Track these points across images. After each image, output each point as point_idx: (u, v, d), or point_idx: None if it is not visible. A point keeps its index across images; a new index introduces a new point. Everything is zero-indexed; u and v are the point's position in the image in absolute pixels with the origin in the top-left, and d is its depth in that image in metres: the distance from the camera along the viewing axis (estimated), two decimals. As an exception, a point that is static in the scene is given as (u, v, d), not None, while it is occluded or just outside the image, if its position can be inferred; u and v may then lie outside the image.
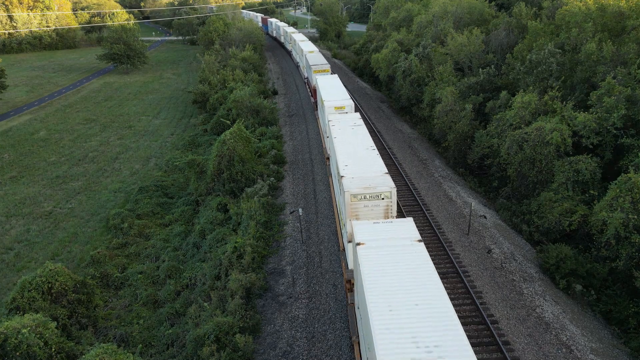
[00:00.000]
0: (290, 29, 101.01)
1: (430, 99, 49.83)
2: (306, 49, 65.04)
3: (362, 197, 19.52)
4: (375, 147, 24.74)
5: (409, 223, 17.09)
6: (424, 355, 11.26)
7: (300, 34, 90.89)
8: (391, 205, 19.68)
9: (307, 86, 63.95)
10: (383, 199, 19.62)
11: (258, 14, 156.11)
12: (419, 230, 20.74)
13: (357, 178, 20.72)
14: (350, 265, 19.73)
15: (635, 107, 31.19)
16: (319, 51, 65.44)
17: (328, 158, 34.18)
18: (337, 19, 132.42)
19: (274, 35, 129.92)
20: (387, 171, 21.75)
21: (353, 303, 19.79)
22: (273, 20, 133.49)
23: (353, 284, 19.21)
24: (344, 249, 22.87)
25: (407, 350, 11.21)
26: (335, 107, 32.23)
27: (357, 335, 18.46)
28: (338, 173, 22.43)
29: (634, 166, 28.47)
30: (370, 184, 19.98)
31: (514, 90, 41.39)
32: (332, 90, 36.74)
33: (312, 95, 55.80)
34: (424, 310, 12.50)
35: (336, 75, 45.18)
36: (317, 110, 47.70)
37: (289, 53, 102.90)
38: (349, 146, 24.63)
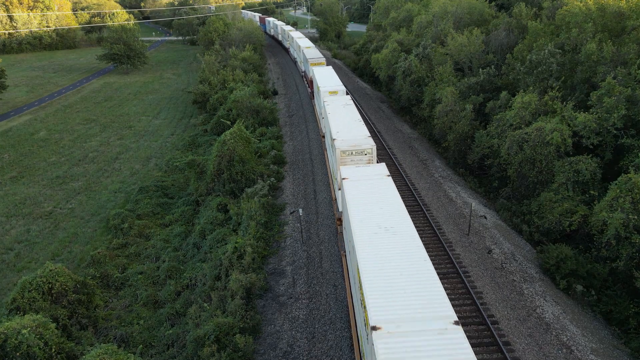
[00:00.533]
0: (288, 27, 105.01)
1: (431, 99, 49.83)
2: (303, 45, 69.38)
3: (350, 153, 24.85)
4: (361, 119, 29.93)
5: (381, 166, 22.92)
6: (382, 230, 17.08)
7: (297, 31, 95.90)
8: (372, 159, 25.01)
9: (305, 79, 68.85)
10: (366, 154, 25.25)
11: (256, 14, 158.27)
12: (419, 230, 26.28)
13: (346, 140, 26.00)
14: (340, 209, 24.61)
15: (636, 107, 31.19)
16: (315, 47, 70.43)
17: (323, 136, 39.98)
18: (337, 19, 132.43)
19: (272, 33, 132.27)
20: (369, 135, 26.82)
21: (342, 233, 25.30)
22: (271, 19, 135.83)
23: (342, 220, 24.16)
24: (335, 200, 28.43)
25: (372, 230, 16.80)
26: (329, 92, 37.96)
27: (345, 250, 23.92)
28: (331, 138, 27.41)
29: (634, 166, 28.47)
30: (355, 143, 25.48)
31: (514, 91, 41.39)
32: (326, 79, 42.18)
33: (309, 86, 61.02)
34: (386, 213, 18.44)
35: (330, 67, 50.46)
36: (313, 99, 53.54)
37: (286, 50, 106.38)
38: (340, 119, 29.97)
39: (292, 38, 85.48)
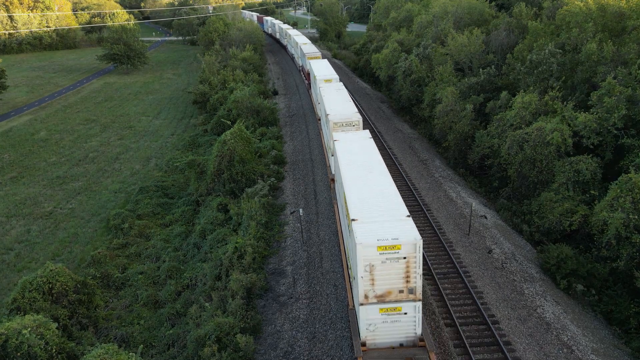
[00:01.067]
0: (285, 26, 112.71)
1: (431, 99, 49.84)
2: (300, 41, 76.51)
3: (341, 125, 31.04)
4: (351, 100, 35.90)
5: (365, 131, 28.64)
6: (362, 172, 22.22)
7: (295, 30, 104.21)
8: (359, 129, 30.92)
9: (302, 72, 75.94)
10: (354, 125, 31.27)
11: (253, 13, 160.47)
12: (419, 230, 27.31)
13: (338, 115, 32.22)
14: (333, 171, 30.77)
15: (636, 107, 31.19)
16: (310, 43, 76.76)
17: (319, 119, 46.13)
18: (337, 19, 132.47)
19: (270, 32, 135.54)
20: (357, 111, 33.32)
21: (334, 189, 31.05)
22: (269, 18, 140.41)
23: (334, 180, 30.21)
24: (329, 166, 34.90)
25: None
26: (324, 80, 43.49)
27: (336, 199, 29.31)
28: (326, 114, 33.56)
29: (635, 166, 28.46)
30: (346, 117, 31.95)
31: (515, 91, 41.39)
32: (322, 69, 48.32)
33: (306, 79, 67.93)
34: (367, 160, 23.68)
35: (325, 60, 56.28)
36: (310, 89, 60.23)
37: (284, 48, 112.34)
38: (333, 100, 35.92)
39: (290, 36, 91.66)
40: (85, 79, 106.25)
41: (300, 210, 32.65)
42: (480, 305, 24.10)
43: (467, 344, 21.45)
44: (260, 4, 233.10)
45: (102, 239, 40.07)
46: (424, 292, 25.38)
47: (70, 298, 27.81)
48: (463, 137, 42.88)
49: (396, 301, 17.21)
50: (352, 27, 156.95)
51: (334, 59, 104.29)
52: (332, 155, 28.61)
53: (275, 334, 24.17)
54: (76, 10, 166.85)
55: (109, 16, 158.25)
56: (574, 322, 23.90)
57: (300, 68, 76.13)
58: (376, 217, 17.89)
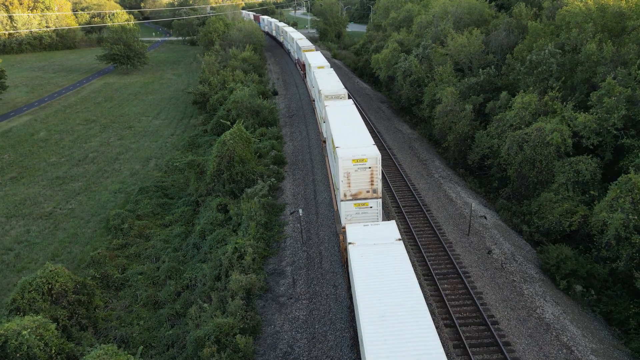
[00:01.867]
0: (281, 24, 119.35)
1: (431, 100, 49.84)
2: (296, 37, 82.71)
3: (330, 97, 37.26)
4: (339, 80, 42.50)
5: (349, 100, 35.00)
6: (345, 122, 29.36)
7: (290, 27, 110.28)
8: (345, 99, 36.90)
9: (297, 65, 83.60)
10: (341, 97, 37.48)
11: (250, 13, 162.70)
12: (418, 231, 31.37)
13: (329, 90, 38.71)
14: (324, 134, 37.07)
15: (636, 107, 31.18)
16: (305, 38, 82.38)
17: (314, 100, 52.94)
18: (337, 19, 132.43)
19: (266, 30, 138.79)
20: (343, 87, 39.62)
21: (325, 147, 37.93)
22: (265, 17, 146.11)
23: (325, 142, 37.21)
24: (322, 132, 40.87)
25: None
26: (318, 67, 49.31)
27: (327, 154, 35.28)
28: (319, 91, 40.74)
29: (634, 167, 28.45)
30: (334, 91, 38.28)
31: (514, 91, 41.39)
32: (316, 59, 54.80)
33: (301, 69, 73.94)
34: (347, 117, 30.17)
35: (319, 51, 63.17)
36: (305, 77, 66.74)
37: (280, 44, 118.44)
38: (325, 80, 42.31)
39: (286, 32, 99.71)
40: (85, 79, 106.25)
41: (300, 211, 32.64)
42: (479, 306, 24.10)
43: (466, 345, 21.45)
44: (260, 4, 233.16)
45: (102, 240, 40.05)
46: (423, 293, 25.38)
47: (70, 298, 27.79)
48: (463, 138, 42.88)
49: (364, 198, 24.98)
50: (352, 27, 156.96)
51: (334, 59, 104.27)
52: (324, 122, 35.14)
53: (274, 335, 24.17)
54: (76, 11, 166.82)
55: (109, 16, 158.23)
56: (574, 322, 23.89)
57: (296, 61, 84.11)
58: (351, 145, 25.71)
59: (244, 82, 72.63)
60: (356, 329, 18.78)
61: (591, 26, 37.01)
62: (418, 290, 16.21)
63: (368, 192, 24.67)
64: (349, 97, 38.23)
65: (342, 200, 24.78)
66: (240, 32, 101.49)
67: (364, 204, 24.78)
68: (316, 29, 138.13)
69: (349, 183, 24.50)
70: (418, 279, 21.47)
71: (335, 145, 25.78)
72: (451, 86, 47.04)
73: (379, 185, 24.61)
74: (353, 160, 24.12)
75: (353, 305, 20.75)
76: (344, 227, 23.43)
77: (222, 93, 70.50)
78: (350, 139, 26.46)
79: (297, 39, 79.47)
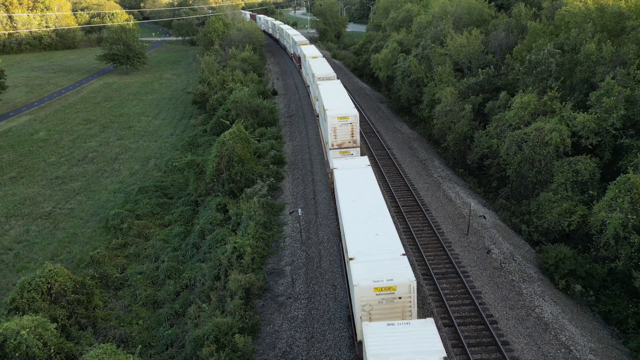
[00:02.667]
0: (277, 22, 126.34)
1: (430, 100, 49.87)
2: (292, 33, 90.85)
3: (321, 79, 43.78)
4: (330, 66, 50.42)
5: (338, 80, 42.46)
6: (334, 96, 36.93)
7: (286, 25, 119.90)
8: (334, 80, 43.42)
9: (293, 59, 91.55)
10: (330, 78, 43.97)
11: (247, 12, 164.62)
12: (417, 230, 32.15)
13: (321, 73, 45.80)
14: (317, 110, 45.27)
15: (635, 107, 31.20)
16: (299, 33, 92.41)
17: (308, 86, 60.11)
18: (337, 19, 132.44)
19: (263, 28, 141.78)
20: (333, 71, 47.00)
21: (319, 122, 43.70)
22: (262, 16, 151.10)
23: (318, 116, 44.03)
24: (315, 109, 49.18)
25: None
26: (312, 57, 56.32)
27: (320, 125, 42.30)
28: (313, 74, 48.23)
29: (633, 166, 28.48)
30: (325, 73, 45.57)
31: (514, 91, 41.42)
32: (309, 51, 63.33)
33: (297, 61, 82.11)
34: (336, 93, 37.56)
35: (312, 45, 72.33)
36: (301, 68, 75.03)
37: (277, 41, 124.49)
38: (319, 67, 49.45)
39: (282, 29, 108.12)
40: (85, 79, 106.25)
41: (299, 211, 32.66)
42: (478, 305, 24.12)
43: (465, 344, 21.47)
44: (260, 4, 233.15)
45: (101, 239, 40.07)
46: (424, 291, 25.42)
47: (69, 298, 27.81)
48: (462, 137, 42.91)
49: (347, 147, 32.72)
50: (351, 28, 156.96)
51: (334, 59, 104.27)
52: (317, 100, 43.14)
53: (273, 334, 24.19)
54: (76, 11, 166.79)
55: (109, 16, 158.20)
56: (572, 322, 23.91)
57: (292, 55, 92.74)
58: (337, 108, 33.33)
59: (244, 82, 72.64)
60: (340, 230, 24.35)
61: (590, 26, 37.04)
62: (380, 195, 23.34)
63: (350, 142, 32.91)
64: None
65: (330, 149, 32.77)
66: (239, 32, 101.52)
67: (346, 152, 32.87)
68: (316, 29, 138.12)
69: (335, 135, 32.56)
70: (417, 279, 23.79)
71: (325, 109, 33.40)
72: (450, 86, 47.07)
73: (357, 137, 32.88)
74: (338, 117, 32.10)
75: (338, 221, 25.71)
76: (331, 170, 28.66)
77: (221, 93, 70.53)
78: (336, 104, 34.35)
79: (292, 35, 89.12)
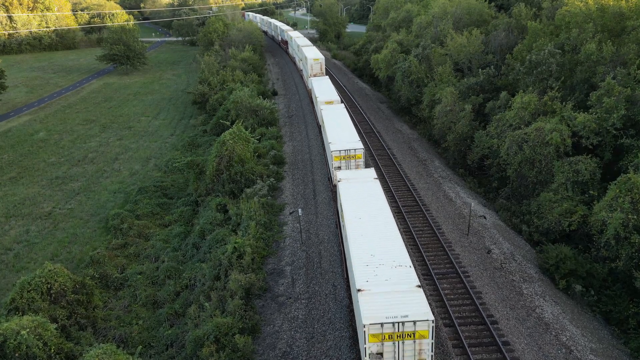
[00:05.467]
0: (266, 18, 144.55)
1: (430, 100, 49.83)
2: (279, 24, 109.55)
3: (313, 60, 61.27)
4: (318, 50, 67.28)
5: (326, 78, 56.62)
6: (325, 98, 48.10)
7: (273, 19, 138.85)
8: (322, 65, 61.95)
9: (280, 45, 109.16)
10: (318, 60, 61.52)
11: (236, 11, 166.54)
12: (418, 231, 31.90)
13: (312, 58, 61.50)
14: (310, 87, 56.82)
15: (635, 107, 31.18)
16: (286, 24, 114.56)
17: (301, 70, 73.00)
18: (337, 19, 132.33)
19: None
20: (323, 56, 62.85)
21: (312, 99, 56.25)
22: (250, 13, 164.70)
23: (312, 100, 57.41)
24: (307, 85, 63.66)
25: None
26: (297, 37, 74.43)
27: (312, 99, 54.98)
28: (306, 58, 63.39)
29: (634, 166, 28.45)
30: (316, 56, 62.42)
31: (514, 91, 41.39)
32: (301, 40, 77.40)
33: (284, 44, 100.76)
34: (328, 87, 51.61)
35: (297, 31, 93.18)
36: (288, 49, 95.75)
37: (264, 32, 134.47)
38: (309, 51, 64.07)
39: (270, 22, 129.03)
40: (85, 80, 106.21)
41: (300, 211, 32.63)
42: (479, 306, 24.08)
43: (465, 344, 21.43)
44: (260, 5, 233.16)
45: (101, 239, 40.04)
46: (425, 292, 25.36)
47: (69, 298, 27.78)
48: (462, 138, 42.88)
49: (331, 102, 45.25)
50: (351, 28, 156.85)
51: (334, 59, 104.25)
52: (311, 89, 53.67)
53: (273, 334, 24.15)
54: (76, 11, 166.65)
55: (109, 17, 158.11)
56: (573, 322, 23.88)
57: (280, 41, 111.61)
58: (324, 94, 47.27)
59: (244, 82, 72.61)
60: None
61: (591, 26, 37.02)
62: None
63: (334, 98, 46.71)
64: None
65: (321, 108, 42.01)
66: (239, 33, 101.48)
67: (331, 102, 45.31)
68: (316, 30, 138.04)
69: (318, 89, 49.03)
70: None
71: (314, 93, 48.19)
72: (451, 86, 47.04)
73: (336, 96, 46.99)
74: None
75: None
76: (321, 107, 41.38)
77: (221, 93, 70.50)
78: (324, 90, 49.13)
79: (279, 25, 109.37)
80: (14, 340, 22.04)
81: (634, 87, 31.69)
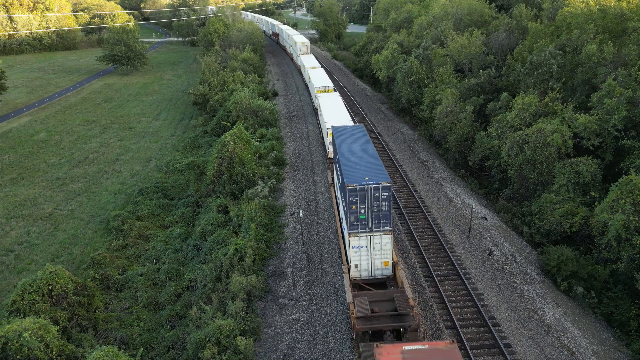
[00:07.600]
0: (258, 15, 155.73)
1: (431, 101, 49.81)
2: (270, 20, 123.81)
3: (301, 43, 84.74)
4: (304, 37, 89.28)
5: (311, 55, 78.11)
6: (310, 65, 69.16)
7: (270, 18, 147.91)
8: (308, 46, 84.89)
9: (272, 37, 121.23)
10: (305, 43, 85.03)
11: (236, 12, 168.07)
12: (419, 232, 31.87)
13: (300, 40, 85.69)
14: (306, 81, 68.61)
15: (636, 108, 31.18)
16: (277, 21, 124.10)
17: (292, 58, 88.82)
18: (337, 20, 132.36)
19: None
20: (309, 41, 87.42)
21: (310, 91, 64.72)
22: (243, 12, 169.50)
23: (305, 83, 72.07)
24: (299, 65, 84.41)
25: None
26: (293, 35, 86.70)
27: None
28: (295, 42, 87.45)
29: (635, 168, 28.44)
30: (303, 40, 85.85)
31: (515, 92, 41.37)
32: (297, 37, 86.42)
33: (275, 37, 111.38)
34: (313, 60, 71.92)
35: (287, 25, 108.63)
36: (278, 40, 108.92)
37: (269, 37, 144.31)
38: (297, 37, 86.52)
39: (261, 18, 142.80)
40: (85, 80, 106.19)
41: (301, 212, 32.62)
42: (480, 307, 24.08)
43: (467, 347, 21.42)
44: (260, 5, 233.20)
45: (102, 241, 40.00)
46: (426, 293, 25.36)
47: (70, 300, 27.73)
48: (463, 139, 42.86)
49: (325, 87, 52.93)
50: (352, 28, 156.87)
51: (334, 59, 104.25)
52: (304, 72, 67.19)
53: (275, 336, 24.14)
54: (76, 11, 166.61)
55: (109, 17, 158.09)
56: (575, 324, 23.87)
57: (271, 34, 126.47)
58: (309, 63, 68.66)
59: (244, 83, 72.57)
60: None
61: (592, 27, 37.01)
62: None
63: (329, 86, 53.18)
64: (340, 91, 60.01)
65: (317, 94, 45.98)
66: (240, 33, 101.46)
67: (327, 90, 51.39)
68: (316, 30, 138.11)
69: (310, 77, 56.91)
70: (418, 278, 24.19)
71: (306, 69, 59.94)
72: (451, 87, 47.03)
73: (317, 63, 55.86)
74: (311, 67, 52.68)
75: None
76: (316, 94, 46.18)
77: (222, 94, 70.46)
78: (315, 78, 56.12)
79: (271, 21, 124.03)
80: (16, 342, 22.01)
81: (635, 89, 31.69)
